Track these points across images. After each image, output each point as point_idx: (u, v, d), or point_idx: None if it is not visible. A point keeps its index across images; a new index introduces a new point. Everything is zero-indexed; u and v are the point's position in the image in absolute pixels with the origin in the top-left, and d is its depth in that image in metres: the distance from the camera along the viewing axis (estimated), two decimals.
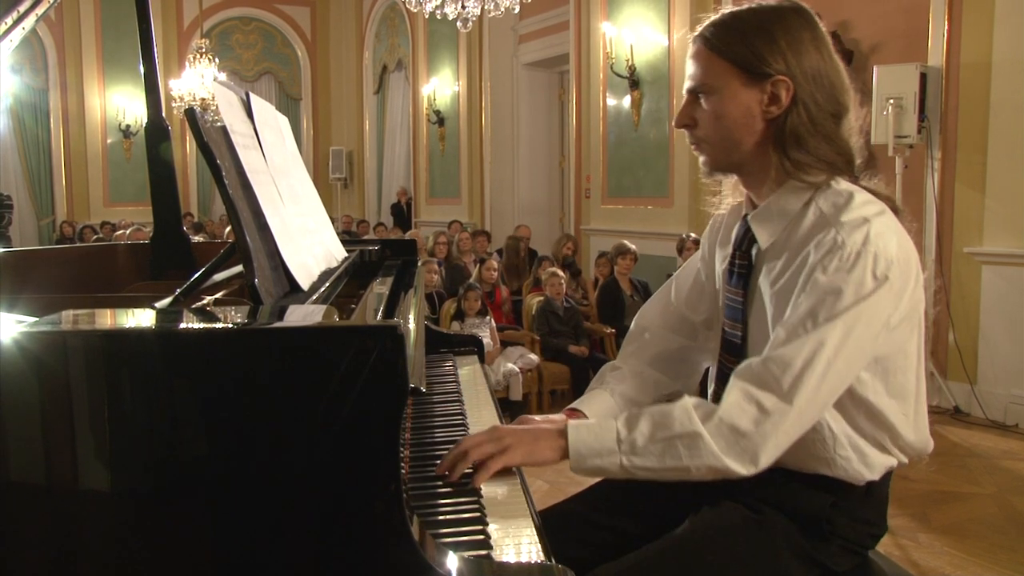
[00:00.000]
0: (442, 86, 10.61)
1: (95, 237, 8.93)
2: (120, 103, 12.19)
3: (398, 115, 12.24)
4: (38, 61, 11.98)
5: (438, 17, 5.83)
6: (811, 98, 1.24)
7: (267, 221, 1.30)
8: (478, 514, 1.13)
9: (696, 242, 5.32)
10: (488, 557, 1.03)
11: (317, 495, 0.94)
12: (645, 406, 1.28)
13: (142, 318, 1.07)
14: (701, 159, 1.35)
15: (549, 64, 9.25)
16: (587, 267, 7.02)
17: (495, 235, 8.53)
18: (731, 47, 1.25)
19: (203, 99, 9.68)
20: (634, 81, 7.08)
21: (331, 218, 2.07)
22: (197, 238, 5.43)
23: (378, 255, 2.26)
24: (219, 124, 1.31)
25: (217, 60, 10.14)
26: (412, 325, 1.37)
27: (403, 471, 1.02)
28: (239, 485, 0.93)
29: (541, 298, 5.40)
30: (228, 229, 5.31)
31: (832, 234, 1.19)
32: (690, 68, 1.31)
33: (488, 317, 5.11)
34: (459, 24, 5.76)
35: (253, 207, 1.29)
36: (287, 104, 13.32)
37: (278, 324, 1.05)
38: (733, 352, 1.36)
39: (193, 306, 1.19)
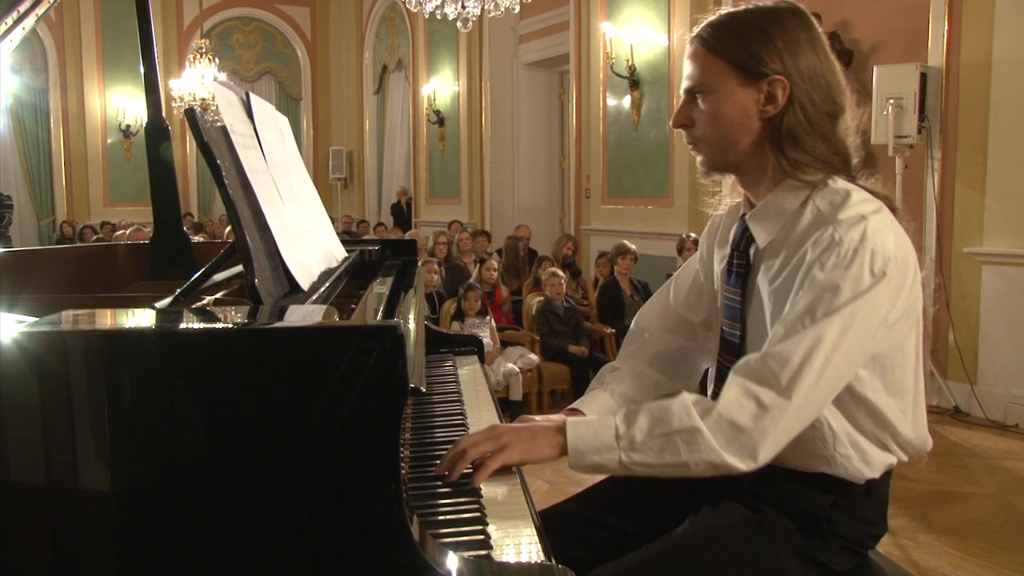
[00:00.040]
0: (442, 86, 10.61)
1: (95, 237, 8.93)
2: (120, 103, 12.20)
3: (398, 115, 12.24)
4: (38, 61, 11.99)
5: (438, 17, 5.83)
6: (807, 98, 1.25)
7: (267, 221, 1.30)
8: (478, 514, 1.13)
9: (696, 242, 5.32)
10: (488, 557, 1.03)
11: (317, 495, 0.94)
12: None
13: (142, 318, 1.07)
14: (698, 159, 1.36)
15: (549, 64, 9.25)
16: (587, 267, 7.03)
17: (495, 235, 8.53)
18: (728, 47, 1.26)
19: (203, 99, 9.68)
20: (634, 81, 7.09)
21: (331, 218, 2.07)
22: (197, 238, 5.43)
23: (378, 255, 2.26)
24: (219, 124, 1.31)
25: (217, 60, 10.14)
26: (412, 325, 1.37)
27: (403, 471, 1.02)
28: (239, 485, 0.93)
29: (541, 298, 5.41)
30: (228, 229, 5.31)
31: (829, 231, 1.19)
32: (687, 68, 1.32)
33: (488, 317, 5.11)
34: (459, 24, 5.76)
35: (253, 207, 1.29)
36: (287, 104, 13.32)
37: (278, 324, 1.05)
38: (732, 352, 1.37)
39: (193, 306, 1.19)
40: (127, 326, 1.06)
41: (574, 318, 5.41)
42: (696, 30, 1.31)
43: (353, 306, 1.50)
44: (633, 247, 5.87)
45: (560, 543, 1.14)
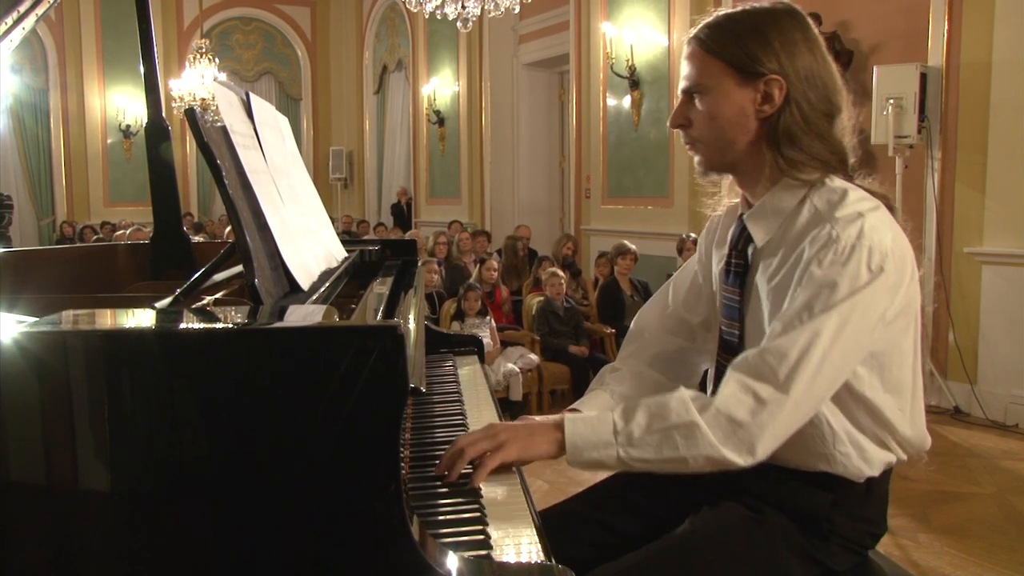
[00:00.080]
0: (442, 86, 10.61)
1: (95, 237, 8.93)
2: (120, 103, 12.20)
3: (398, 115, 12.24)
4: (38, 61, 11.99)
5: (438, 17, 5.83)
6: (804, 97, 1.25)
7: (267, 221, 1.30)
8: (478, 514, 1.13)
9: (696, 243, 5.32)
10: (488, 557, 1.03)
11: (317, 495, 0.94)
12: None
13: (142, 318, 1.07)
14: (696, 159, 1.36)
15: (549, 64, 9.25)
16: (587, 267, 7.03)
17: (495, 235, 8.53)
18: (725, 48, 1.27)
19: (203, 99, 9.68)
20: (634, 81, 7.09)
21: (331, 218, 2.07)
22: (197, 238, 5.43)
23: (378, 255, 2.27)
24: (219, 124, 1.32)
25: (217, 60, 10.14)
26: (412, 325, 1.37)
27: (403, 471, 1.02)
28: (239, 485, 0.93)
29: (541, 298, 5.41)
30: (228, 229, 5.31)
31: (827, 229, 1.19)
32: (685, 69, 1.33)
33: (488, 317, 5.11)
34: (459, 24, 5.76)
35: (253, 207, 1.29)
36: (287, 104, 13.32)
37: (278, 324, 1.05)
38: (731, 351, 1.37)
39: (193, 306, 1.19)
40: (127, 326, 1.06)
41: (574, 318, 5.41)
42: (693, 31, 1.32)
43: (353, 306, 1.50)
44: (633, 247, 5.87)
45: (560, 543, 1.14)
